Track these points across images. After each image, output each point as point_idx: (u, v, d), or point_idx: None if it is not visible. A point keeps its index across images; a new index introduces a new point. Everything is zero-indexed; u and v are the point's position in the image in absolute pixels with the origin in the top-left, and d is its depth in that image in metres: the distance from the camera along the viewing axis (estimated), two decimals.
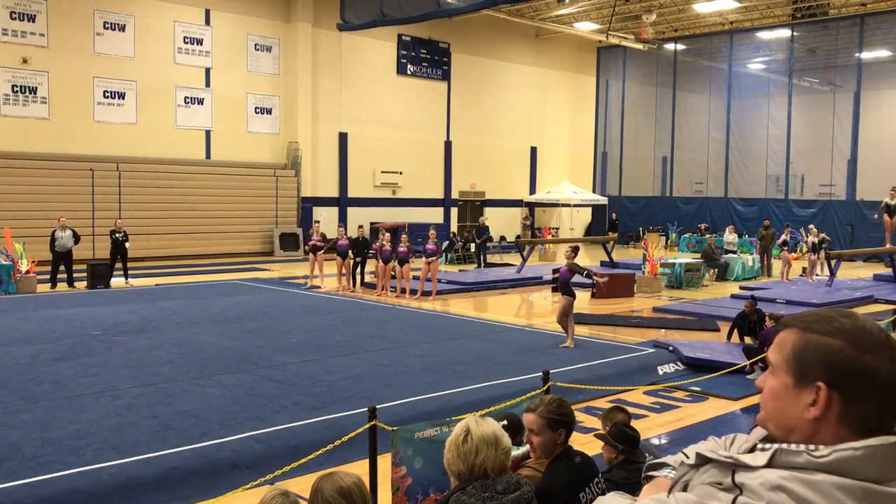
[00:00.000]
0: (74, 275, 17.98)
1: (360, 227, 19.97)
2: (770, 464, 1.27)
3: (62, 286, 17.73)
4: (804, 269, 22.73)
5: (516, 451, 4.17)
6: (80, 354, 10.64)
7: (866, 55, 29.60)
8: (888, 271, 21.31)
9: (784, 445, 1.28)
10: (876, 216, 24.06)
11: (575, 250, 12.40)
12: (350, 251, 18.39)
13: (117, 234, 18.51)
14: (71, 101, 23.08)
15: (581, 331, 12.12)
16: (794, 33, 30.77)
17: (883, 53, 30.17)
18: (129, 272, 18.83)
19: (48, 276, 17.77)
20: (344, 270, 18.43)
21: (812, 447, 1.25)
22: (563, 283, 11.78)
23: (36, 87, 22.56)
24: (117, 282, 18.33)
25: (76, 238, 18.11)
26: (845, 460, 1.22)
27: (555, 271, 19.23)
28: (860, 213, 28.49)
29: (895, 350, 1.27)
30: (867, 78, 29.44)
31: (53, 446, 6.84)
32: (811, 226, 23.36)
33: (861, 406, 1.25)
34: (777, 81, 32.10)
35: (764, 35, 32.14)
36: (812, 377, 1.28)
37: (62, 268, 17.84)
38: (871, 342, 1.27)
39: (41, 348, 10.95)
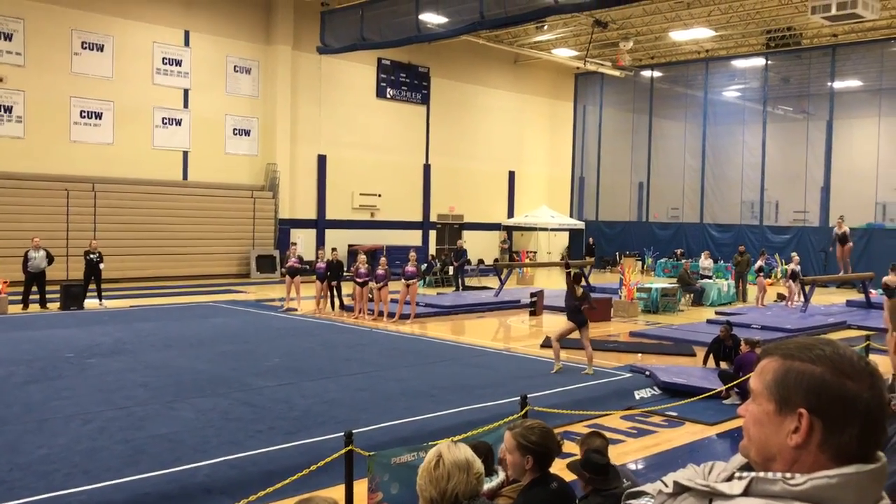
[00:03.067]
0: (47, 296, 17.76)
1: (334, 249, 19.93)
2: (746, 492, 1.27)
3: (34, 307, 17.49)
4: (779, 296, 22.97)
5: (490, 483, 4.15)
6: (51, 377, 10.48)
7: (838, 84, 30.18)
8: (861, 297, 21.56)
9: (761, 474, 1.29)
10: (831, 249, 24.46)
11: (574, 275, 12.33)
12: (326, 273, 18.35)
13: (91, 255, 18.32)
14: (47, 120, 22.90)
15: (578, 355, 12.10)
16: (769, 62, 31.31)
17: (854, 83, 30.76)
18: (104, 293, 18.63)
19: (20, 297, 17.52)
20: (323, 293, 18.36)
21: (788, 475, 1.26)
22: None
23: (11, 106, 22.37)
24: (91, 303, 18.11)
25: (50, 259, 17.91)
26: (821, 488, 1.23)
27: (532, 295, 19.30)
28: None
29: (875, 377, 1.28)
30: (839, 107, 29.98)
31: (22, 471, 6.71)
32: (794, 254, 23.46)
33: (843, 433, 1.26)
34: (752, 109, 32.59)
35: (739, 63, 32.66)
36: (794, 404, 1.29)
37: (35, 288, 17.61)
38: (851, 369, 1.28)
39: (12, 370, 10.77)
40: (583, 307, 11.72)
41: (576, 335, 11.81)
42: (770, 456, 1.32)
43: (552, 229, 35.29)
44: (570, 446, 6.43)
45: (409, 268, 17.45)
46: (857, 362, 1.29)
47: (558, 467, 3.70)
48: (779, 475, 1.27)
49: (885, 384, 1.31)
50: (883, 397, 1.29)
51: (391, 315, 17.21)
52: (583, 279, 11.96)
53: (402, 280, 17.48)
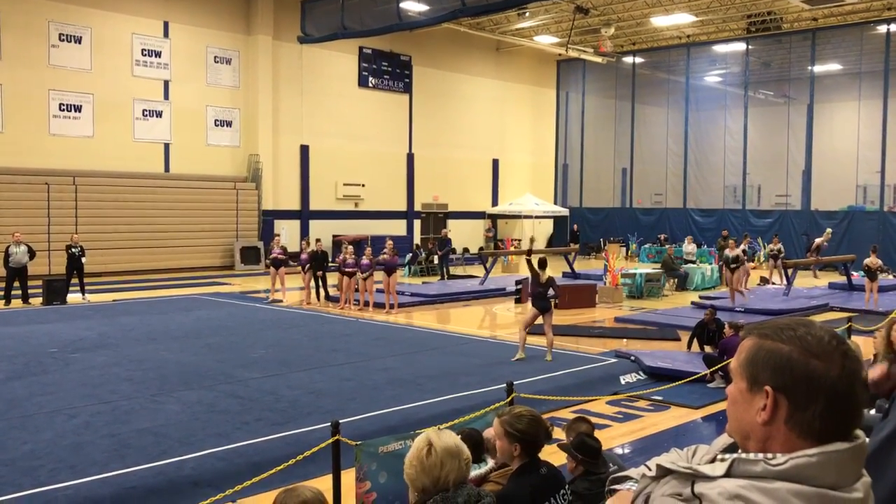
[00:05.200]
0: (29, 291, 17.61)
1: (318, 240, 19.88)
2: (728, 473, 1.29)
3: (17, 303, 17.34)
4: (762, 279, 23.14)
5: (479, 470, 4.16)
6: (35, 372, 10.41)
7: (818, 68, 30.33)
8: (843, 280, 21.75)
9: (742, 455, 1.31)
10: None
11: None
12: (310, 264, 18.30)
13: (73, 249, 18.18)
14: (25, 113, 22.65)
15: (544, 341, 12.13)
16: (749, 47, 31.41)
17: (834, 67, 30.94)
18: (87, 288, 18.49)
19: (2, 293, 17.38)
20: (308, 283, 18.31)
21: (769, 456, 1.28)
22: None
23: None
24: (74, 298, 17.98)
25: (31, 253, 17.74)
26: (801, 467, 1.25)
27: (518, 282, 19.34)
28: (815, 222, 29.07)
29: (846, 358, 1.30)
30: (819, 90, 30.15)
31: (7, 467, 6.67)
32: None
33: (806, 410, 1.28)
34: (733, 94, 32.71)
35: (720, 48, 32.75)
36: (762, 381, 1.32)
37: (17, 284, 17.46)
38: (820, 349, 1.30)
39: None
40: (548, 294, 11.74)
41: (540, 321, 11.83)
42: (745, 434, 1.35)
43: (536, 217, 35.35)
44: (556, 432, 6.45)
45: (387, 257, 17.31)
46: (827, 342, 1.31)
47: (547, 449, 3.71)
48: (760, 456, 1.28)
49: (859, 365, 1.32)
50: (853, 378, 1.30)
51: (378, 305, 17.20)
52: (546, 265, 12.03)
53: (382, 270, 17.37)
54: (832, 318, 15.80)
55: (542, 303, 11.67)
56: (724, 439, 1.45)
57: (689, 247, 24.06)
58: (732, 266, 17.80)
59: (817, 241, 22.44)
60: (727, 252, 18.44)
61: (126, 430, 7.77)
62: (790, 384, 1.29)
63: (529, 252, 13.25)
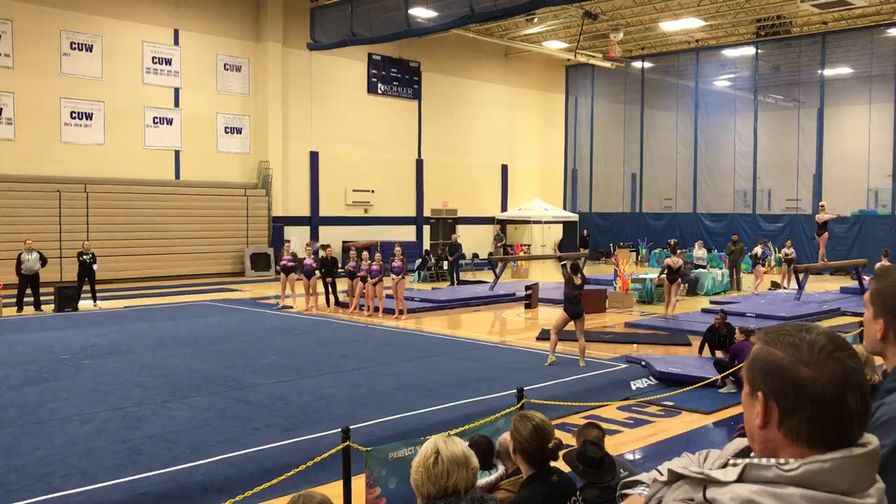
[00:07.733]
0: (41, 298, 17.70)
1: (328, 246, 19.90)
2: (741, 479, 1.29)
3: (29, 309, 17.44)
4: (773, 283, 23.05)
5: (489, 477, 4.14)
6: (47, 379, 10.46)
7: (828, 72, 30.22)
8: (854, 284, 21.64)
9: (755, 460, 1.30)
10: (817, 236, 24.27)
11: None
12: (317, 271, 18.31)
13: (85, 256, 18.27)
14: (37, 122, 22.80)
15: (556, 346, 12.11)
16: (759, 51, 31.34)
17: (844, 70, 30.81)
18: (98, 294, 18.58)
19: (14, 300, 17.47)
20: (311, 290, 18.32)
21: (782, 461, 1.27)
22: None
23: (1, 109, 22.25)
24: (85, 304, 18.07)
25: (43, 260, 17.84)
26: (814, 473, 1.24)
27: (527, 288, 19.32)
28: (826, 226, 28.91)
29: (840, 367, 1.29)
30: (830, 94, 30.03)
31: (19, 473, 6.70)
32: (787, 242, 23.31)
33: (794, 417, 1.29)
34: (743, 98, 32.62)
35: (729, 53, 32.68)
36: (757, 386, 1.34)
37: (29, 291, 17.56)
38: (812, 357, 1.30)
39: (7, 373, 10.75)
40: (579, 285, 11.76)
41: (571, 326, 11.83)
42: (751, 436, 1.38)
43: (546, 222, 35.32)
44: (566, 438, 6.43)
45: (395, 263, 17.33)
46: (819, 349, 1.30)
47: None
48: (772, 461, 1.28)
49: (852, 373, 1.29)
50: (844, 385, 1.28)
51: (386, 311, 17.19)
52: (580, 269, 12.01)
53: (391, 275, 17.38)
54: (844, 323, 15.71)
55: (575, 308, 11.62)
56: (736, 444, 1.45)
57: (699, 251, 23.99)
58: (672, 277, 16.74)
59: (819, 216, 22.52)
60: (668, 261, 17.38)
61: (137, 437, 7.80)
62: (779, 390, 1.31)
63: (560, 258, 13.19)
